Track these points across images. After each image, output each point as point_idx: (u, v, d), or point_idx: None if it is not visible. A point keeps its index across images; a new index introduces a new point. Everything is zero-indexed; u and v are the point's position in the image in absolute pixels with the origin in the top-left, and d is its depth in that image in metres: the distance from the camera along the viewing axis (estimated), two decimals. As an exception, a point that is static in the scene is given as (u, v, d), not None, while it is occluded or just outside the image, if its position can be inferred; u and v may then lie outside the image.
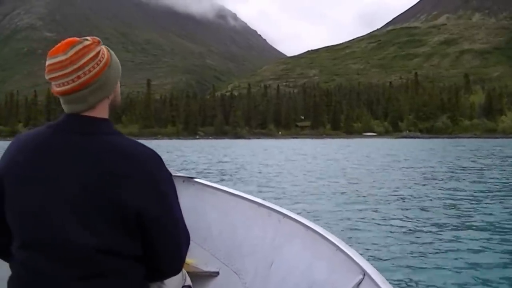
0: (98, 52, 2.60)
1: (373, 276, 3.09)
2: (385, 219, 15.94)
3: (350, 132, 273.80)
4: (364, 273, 3.20)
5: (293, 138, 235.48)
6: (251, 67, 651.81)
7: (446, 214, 16.72)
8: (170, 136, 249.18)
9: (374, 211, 17.58)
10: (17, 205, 2.54)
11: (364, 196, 21.87)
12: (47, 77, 2.55)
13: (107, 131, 2.59)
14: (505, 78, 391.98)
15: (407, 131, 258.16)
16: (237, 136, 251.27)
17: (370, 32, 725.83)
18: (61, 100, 2.58)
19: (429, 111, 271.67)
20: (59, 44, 2.55)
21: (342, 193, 23.18)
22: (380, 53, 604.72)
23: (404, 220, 15.75)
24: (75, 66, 2.51)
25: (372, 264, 3.31)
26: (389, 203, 19.47)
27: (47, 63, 2.54)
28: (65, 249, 2.45)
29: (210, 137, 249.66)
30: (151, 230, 2.56)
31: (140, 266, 2.62)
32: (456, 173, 34.26)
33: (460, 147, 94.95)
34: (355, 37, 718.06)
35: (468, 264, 10.67)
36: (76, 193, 2.45)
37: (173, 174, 4.99)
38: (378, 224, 15.09)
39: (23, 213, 2.52)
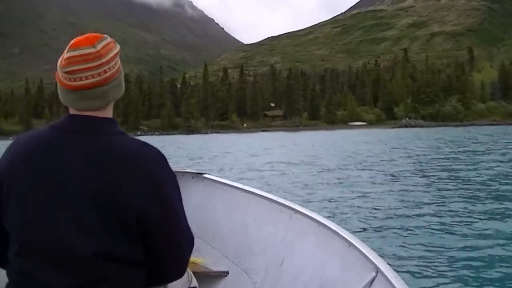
0: (119, 50, 2.59)
1: (386, 273, 3.02)
2: (399, 216, 14.98)
3: (332, 121, 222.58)
4: (378, 270, 3.12)
5: (262, 131, 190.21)
6: (208, 56, 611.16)
7: (466, 212, 15.33)
8: None
9: (388, 207, 16.45)
10: (16, 208, 2.45)
11: (377, 192, 20.16)
12: (65, 69, 2.43)
13: (111, 131, 2.52)
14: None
15: (407, 119, 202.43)
16: (191, 130, 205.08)
17: (334, 17, 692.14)
18: (75, 96, 2.46)
19: (433, 92, 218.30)
20: (81, 37, 2.49)
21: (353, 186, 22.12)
22: (345, 38, 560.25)
23: (420, 217, 14.71)
24: (103, 60, 2.46)
25: (385, 260, 3.24)
26: (403, 199, 18.13)
27: (69, 54, 2.44)
28: (63, 255, 2.37)
29: (156, 133, 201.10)
30: (152, 232, 2.48)
31: (141, 271, 2.53)
32: (480, 169, 28.41)
33: (481, 136, 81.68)
34: (317, 22, 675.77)
35: (486, 261, 10.20)
36: (77, 196, 2.38)
37: (182, 170, 5.74)
38: (392, 220, 14.33)
39: (22, 217, 2.44)
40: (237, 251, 4.71)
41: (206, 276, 4.61)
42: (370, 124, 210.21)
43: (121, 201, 2.37)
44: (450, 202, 17.01)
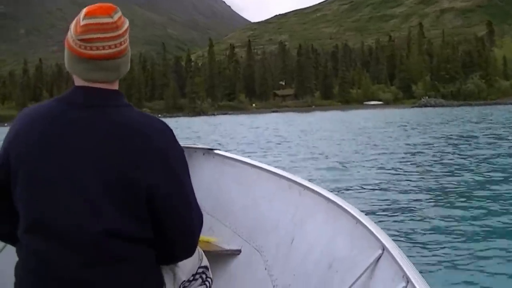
0: (129, 25, 2.50)
1: (392, 251, 3.01)
2: (409, 195, 14.94)
3: (347, 101, 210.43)
4: (384, 248, 3.12)
5: (273, 112, 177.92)
6: (216, 35, 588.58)
7: (484, 197, 14.48)
8: None
9: (400, 189, 16.13)
10: (23, 185, 2.39)
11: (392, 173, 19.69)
12: (81, 36, 2.35)
13: (118, 103, 2.46)
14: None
15: (426, 97, 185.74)
16: (197, 112, 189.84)
17: None
18: (88, 66, 2.39)
19: (453, 69, 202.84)
20: (96, 6, 2.40)
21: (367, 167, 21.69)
22: (353, 15, 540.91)
23: (430, 196, 14.71)
24: (120, 32, 2.40)
25: (392, 238, 3.26)
26: (415, 179, 18.18)
27: (86, 22, 2.35)
28: (72, 233, 2.32)
29: (159, 115, 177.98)
30: (161, 209, 2.42)
31: (151, 250, 2.48)
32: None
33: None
34: None
35: (492, 245, 9.92)
36: (86, 173, 2.32)
37: (193, 146, 5.81)
38: (403, 200, 14.16)
39: (29, 195, 2.38)
40: (249, 229, 4.74)
41: (218, 255, 4.63)
42: (387, 103, 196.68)
43: (129, 178, 2.31)
44: (472, 187, 16.18)
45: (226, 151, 5.78)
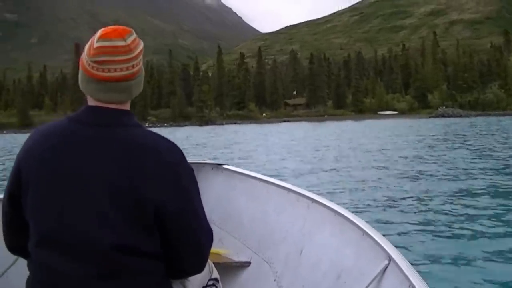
0: (143, 48, 2.56)
1: (398, 262, 3.04)
2: (415, 205, 14.67)
3: (360, 110, 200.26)
4: (390, 259, 3.15)
5: (284, 121, 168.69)
6: (226, 46, 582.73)
7: (483, 204, 14.46)
8: None
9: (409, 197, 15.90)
10: (34, 199, 2.42)
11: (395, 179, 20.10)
12: (94, 58, 2.40)
13: (128, 123, 2.48)
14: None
15: (443, 107, 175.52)
16: (204, 121, 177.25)
17: (352, 5, 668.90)
18: (99, 87, 2.43)
19: (471, 78, 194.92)
20: (110, 29, 2.47)
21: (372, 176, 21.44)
22: (363, 26, 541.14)
23: (435, 206, 14.29)
24: (133, 55, 2.44)
25: (398, 249, 3.28)
26: (421, 189, 17.49)
27: (100, 44, 2.41)
28: (82, 246, 2.34)
29: (166, 124, 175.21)
30: (171, 227, 2.43)
31: (160, 264, 2.49)
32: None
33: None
34: (335, 10, 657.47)
35: (504, 259, 9.58)
36: (95, 188, 2.35)
37: (201, 161, 5.83)
38: (406, 209, 13.98)
39: (41, 208, 2.41)
40: (259, 241, 4.76)
41: (228, 267, 4.66)
42: (402, 113, 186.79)
43: (139, 194, 2.33)
44: (485, 199, 15.46)
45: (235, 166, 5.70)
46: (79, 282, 2.34)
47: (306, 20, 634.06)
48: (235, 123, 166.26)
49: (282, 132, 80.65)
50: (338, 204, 4.13)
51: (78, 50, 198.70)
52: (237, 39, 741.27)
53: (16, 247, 2.67)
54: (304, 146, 42.85)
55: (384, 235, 3.51)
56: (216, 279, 3.13)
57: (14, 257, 3.20)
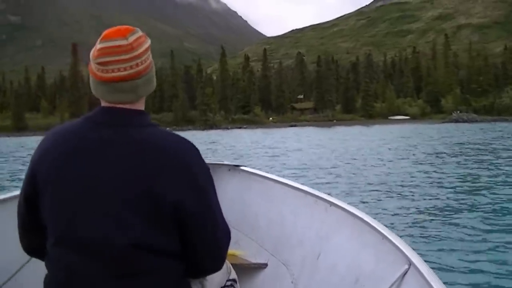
0: (150, 44, 2.54)
1: (419, 266, 3.00)
2: (436, 209, 14.64)
3: (370, 115, 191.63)
4: (410, 263, 3.11)
5: (291, 126, 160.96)
6: (232, 49, 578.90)
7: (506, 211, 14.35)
8: None
9: (426, 201, 16.08)
10: (51, 200, 2.42)
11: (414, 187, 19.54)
12: (97, 60, 2.40)
13: (144, 123, 2.47)
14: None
15: (458, 112, 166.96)
16: (208, 125, 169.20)
17: (359, 9, 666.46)
18: (106, 89, 2.43)
19: (486, 82, 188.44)
20: (113, 29, 2.46)
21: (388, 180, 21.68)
22: (370, 30, 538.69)
23: (455, 211, 14.30)
24: (136, 53, 2.41)
25: (418, 253, 3.25)
26: (442, 195, 17.42)
27: (101, 45, 2.40)
28: (100, 247, 2.34)
29: (168, 128, 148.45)
30: (189, 226, 2.42)
31: (179, 263, 2.49)
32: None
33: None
34: (342, 14, 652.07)
35: None
36: (112, 188, 2.34)
37: (218, 162, 5.84)
38: (427, 214, 13.97)
39: (58, 209, 2.41)
40: (275, 243, 4.75)
41: (245, 268, 4.61)
42: (414, 118, 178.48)
43: (156, 194, 2.32)
44: (498, 202, 15.65)
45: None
46: (97, 281, 2.34)
47: (312, 24, 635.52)
48: (240, 128, 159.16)
49: (294, 138, 74.10)
50: (356, 207, 4.08)
51: (76, 51, 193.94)
52: (243, 43, 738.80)
53: (32, 248, 2.68)
54: (331, 157, 37.00)
55: (403, 238, 3.43)
56: (234, 280, 3.11)
57: (27, 257, 3.17)
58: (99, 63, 2.39)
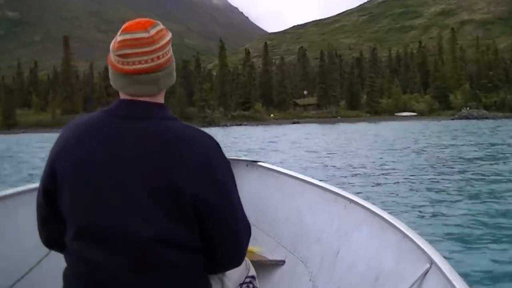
0: (170, 38, 2.54)
1: (440, 265, 2.97)
2: (456, 207, 14.58)
3: (376, 111, 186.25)
4: (432, 262, 3.09)
5: (293, 123, 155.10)
6: (233, 45, 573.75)
7: None
8: None
9: (446, 200, 15.89)
10: (71, 193, 2.42)
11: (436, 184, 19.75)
12: (118, 52, 2.40)
13: (164, 116, 2.47)
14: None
15: (468, 108, 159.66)
16: (207, 122, 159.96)
17: (361, 5, 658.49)
18: (127, 81, 2.43)
19: (497, 77, 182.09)
20: (134, 22, 2.46)
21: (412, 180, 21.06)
22: (372, 26, 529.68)
23: (477, 209, 14.13)
24: (157, 46, 2.41)
25: (440, 252, 3.21)
26: (463, 192, 17.67)
27: (122, 38, 2.40)
28: (120, 239, 2.34)
29: None
30: (209, 220, 2.41)
31: (199, 257, 2.49)
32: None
33: None
34: (344, 10, 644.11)
35: None
36: (133, 181, 2.34)
37: (236, 158, 5.81)
38: (448, 212, 13.83)
39: (78, 202, 2.41)
40: (293, 240, 4.74)
41: (262, 265, 4.59)
42: (421, 114, 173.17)
43: (176, 187, 2.32)
44: None
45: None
46: (116, 274, 2.34)
47: (314, 19, 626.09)
48: (240, 125, 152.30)
49: (300, 136, 67.76)
50: (377, 205, 4.08)
51: (68, 44, 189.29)
52: (244, 39, 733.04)
53: (51, 241, 2.68)
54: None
55: (424, 237, 3.45)
56: (253, 277, 3.10)
57: (45, 250, 3.18)
58: (119, 55, 2.38)
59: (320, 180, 4.91)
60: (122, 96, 2.48)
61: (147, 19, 2.47)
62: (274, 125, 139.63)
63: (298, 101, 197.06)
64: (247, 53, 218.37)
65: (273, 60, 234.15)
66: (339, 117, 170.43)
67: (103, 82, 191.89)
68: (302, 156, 35.66)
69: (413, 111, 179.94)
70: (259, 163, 5.54)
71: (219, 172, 2.42)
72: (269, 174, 5.36)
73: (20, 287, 3.77)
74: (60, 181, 2.44)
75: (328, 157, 33.67)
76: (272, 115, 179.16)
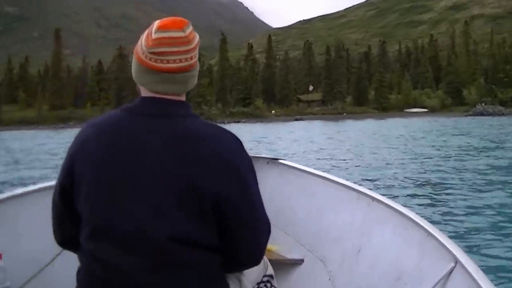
0: (199, 40, 2.56)
1: (465, 265, 2.95)
2: (482, 205, 14.48)
3: (384, 108, 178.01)
4: (456, 261, 3.06)
5: (295, 120, 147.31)
6: (237, 41, 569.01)
7: None
8: (85, 119, 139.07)
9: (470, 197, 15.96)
10: (88, 192, 2.43)
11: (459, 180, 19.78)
12: (152, 49, 2.40)
13: (184, 113, 2.47)
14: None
15: (482, 104, 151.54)
16: (203, 119, 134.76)
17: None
18: (157, 78, 2.44)
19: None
20: (168, 20, 2.45)
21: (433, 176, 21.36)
22: (380, 21, 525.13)
23: (505, 208, 14.06)
24: (191, 46, 2.44)
25: (465, 251, 3.17)
26: (490, 189, 17.53)
27: (158, 35, 2.40)
28: (137, 238, 2.34)
29: None
30: (229, 218, 2.42)
31: (217, 256, 2.48)
32: None
33: None
34: (351, 5, 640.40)
35: None
36: (151, 178, 2.35)
37: (256, 155, 5.77)
38: (474, 210, 13.84)
39: (95, 201, 2.42)
40: (313, 239, 4.72)
41: (280, 264, 4.56)
42: (432, 111, 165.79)
43: (197, 185, 2.32)
44: None
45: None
46: (132, 274, 2.34)
47: (320, 14, 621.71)
48: (238, 122, 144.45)
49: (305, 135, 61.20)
50: (400, 203, 4.03)
51: (59, 36, 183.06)
52: (248, 35, 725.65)
53: (66, 240, 2.68)
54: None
55: (448, 235, 3.41)
56: (271, 276, 3.09)
57: (58, 249, 3.16)
58: (154, 53, 2.38)
59: (343, 178, 4.88)
60: (145, 93, 2.48)
61: (180, 18, 2.47)
62: (275, 122, 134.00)
63: (302, 97, 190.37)
64: (250, 47, 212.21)
65: (278, 56, 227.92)
66: (345, 114, 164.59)
67: (95, 77, 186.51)
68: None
69: (424, 107, 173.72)
70: (280, 161, 5.50)
71: (240, 170, 2.42)
72: (290, 171, 5.32)
73: (31, 286, 3.80)
74: (77, 180, 2.44)
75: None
76: (273, 111, 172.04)
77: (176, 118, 2.42)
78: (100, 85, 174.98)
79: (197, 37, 2.50)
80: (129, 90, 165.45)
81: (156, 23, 2.45)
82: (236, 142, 2.48)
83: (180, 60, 2.40)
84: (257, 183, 2.53)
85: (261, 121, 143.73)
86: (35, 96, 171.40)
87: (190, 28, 2.46)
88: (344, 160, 29.29)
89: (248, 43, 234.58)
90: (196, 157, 2.34)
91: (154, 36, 2.39)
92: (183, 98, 2.53)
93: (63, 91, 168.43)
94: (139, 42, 2.48)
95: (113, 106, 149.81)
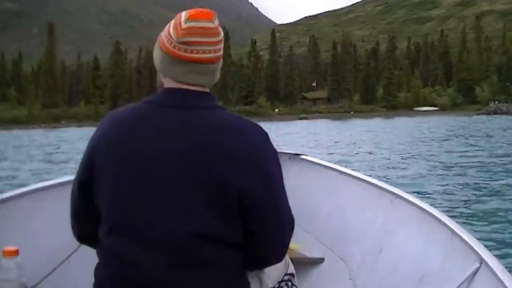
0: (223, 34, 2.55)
1: (491, 265, 2.88)
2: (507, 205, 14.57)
3: (393, 106, 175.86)
4: (481, 261, 3.01)
5: (300, 119, 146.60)
6: (241, 38, 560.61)
7: None
8: (80, 120, 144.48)
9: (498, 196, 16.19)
10: (108, 187, 2.41)
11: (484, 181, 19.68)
12: (183, 39, 2.37)
13: (209, 105, 2.44)
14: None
15: (495, 102, 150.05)
16: None
17: None
18: (186, 69, 2.41)
19: None
20: (197, 10, 2.43)
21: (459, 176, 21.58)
22: (387, 17, 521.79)
23: None
24: (219, 38, 2.43)
25: (491, 251, 3.12)
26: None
27: (189, 25, 2.37)
28: (159, 235, 2.31)
29: None
30: (254, 214, 2.38)
31: (239, 254, 2.45)
32: None
33: None
34: (358, 0, 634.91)
35: None
36: (175, 174, 2.31)
37: (278, 151, 6.06)
38: (499, 210, 13.89)
39: (115, 196, 2.39)
40: (334, 237, 4.69)
41: (300, 263, 4.44)
42: (443, 109, 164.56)
43: (221, 180, 2.30)
44: None
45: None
46: (153, 271, 2.30)
47: (326, 10, 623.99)
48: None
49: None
50: (424, 201, 3.99)
51: (52, 32, 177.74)
52: (253, 32, 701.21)
53: (84, 236, 2.67)
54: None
55: (474, 235, 3.37)
56: (292, 274, 3.04)
57: (76, 244, 3.25)
58: (184, 43, 2.35)
59: (367, 174, 4.86)
60: (169, 84, 2.45)
61: (207, 9, 2.46)
62: (278, 121, 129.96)
63: (307, 94, 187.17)
64: (253, 43, 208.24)
65: (282, 53, 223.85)
66: (352, 112, 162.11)
67: (90, 74, 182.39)
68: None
69: (435, 106, 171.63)
70: (302, 156, 5.48)
71: (267, 165, 2.40)
72: (312, 167, 5.31)
73: (48, 283, 3.75)
74: (97, 173, 2.42)
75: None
76: (276, 110, 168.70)
77: (201, 110, 2.39)
78: (96, 82, 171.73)
79: (221, 30, 2.47)
80: (125, 88, 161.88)
81: (185, 13, 2.42)
82: (264, 136, 2.45)
83: (209, 51, 2.38)
84: (282, 178, 2.50)
85: (263, 121, 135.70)
86: (27, 94, 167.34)
87: (217, 20, 2.43)
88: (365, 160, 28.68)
89: (252, 39, 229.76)
90: (221, 151, 2.30)
91: (184, 25, 2.37)
92: (207, 89, 2.49)
93: (56, 89, 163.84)
94: (163, 33, 2.45)
95: (109, 105, 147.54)
